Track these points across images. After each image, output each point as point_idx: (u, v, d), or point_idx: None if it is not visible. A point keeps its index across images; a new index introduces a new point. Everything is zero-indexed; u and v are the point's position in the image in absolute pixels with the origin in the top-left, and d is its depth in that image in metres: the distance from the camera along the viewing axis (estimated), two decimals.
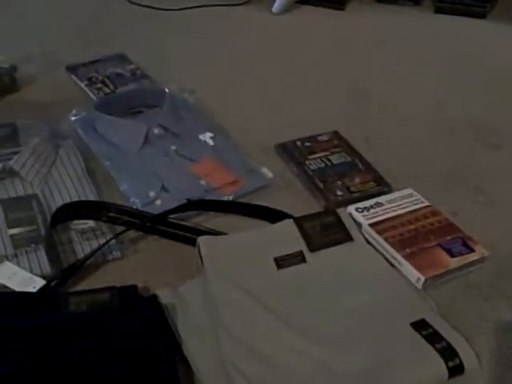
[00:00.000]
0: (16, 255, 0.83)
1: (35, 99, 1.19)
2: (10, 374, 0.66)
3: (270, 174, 1.00)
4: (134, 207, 0.92)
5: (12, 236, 0.85)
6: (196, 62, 1.37)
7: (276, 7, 1.61)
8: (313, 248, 0.81)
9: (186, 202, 0.91)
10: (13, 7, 1.58)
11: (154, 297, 0.76)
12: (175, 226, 0.88)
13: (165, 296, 0.76)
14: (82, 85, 1.23)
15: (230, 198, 0.95)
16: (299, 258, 0.80)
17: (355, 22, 1.63)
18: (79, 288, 0.80)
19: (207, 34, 1.51)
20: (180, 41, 1.47)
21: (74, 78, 1.26)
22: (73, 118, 1.10)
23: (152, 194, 0.94)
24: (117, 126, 1.05)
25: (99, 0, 1.65)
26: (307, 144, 1.08)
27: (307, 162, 1.03)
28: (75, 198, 0.92)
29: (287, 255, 0.80)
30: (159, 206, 0.92)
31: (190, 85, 1.21)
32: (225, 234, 0.86)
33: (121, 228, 0.88)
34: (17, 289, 0.78)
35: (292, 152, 1.06)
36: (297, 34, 1.54)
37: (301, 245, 0.82)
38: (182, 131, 1.07)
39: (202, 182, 0.97)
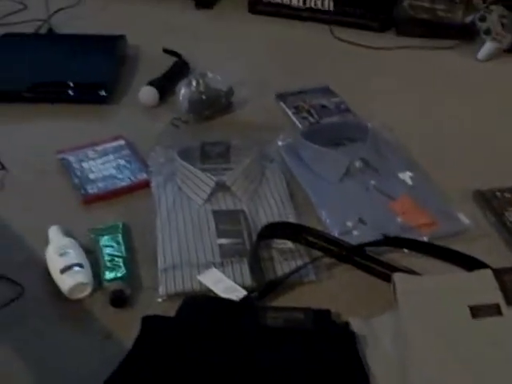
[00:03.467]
0: (222, 264, 0.90)
1: (247, 121, 1.28)
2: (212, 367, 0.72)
3: (466, 221, 1.00)
4: (332, 234, 0.96)
5: (220, 245, 0.93)
6: (395, 101, 1.37)
7: (482, 54, 1.59)
8: (511, 302, 0.80)
9: (382, 236, 0.94)
10: (227, 39, 1.70)
11: (347, 324, 0.79)
12: (370, 259, 0.91)
13: (356, 325, 0.79)
14: (290, 112, 1.30)
15: (426, 239, 0.96)
16: (495, 309, 0.79)
17: None
18: (274, 304, 0.85)
19: (408, 74, 1.52)
20: (380, 78, 1.49)
21: (282, 105, 1.33)
22: (280, 143, 1.17)
23: (349, 224, 0.98)
24: (321, 155, 1.10)
25: (304, 33, 1.72)
26: (507, 195, 1.06)
27: (506, 214, 1.01)
28: (277, 218, 0.98)
29: (483, 305, 0.79)
30: (356, 236, 0.95)
31: (389, 123, 1.23)
32: (419, 274, 0.88)
33: (317, 252, 0.93)
34: (221, 294, 0.84)
35: (490, 201, 1.04)
36: (499, 83, 1.50)
37: (498, 297, 0.80)
38: (382, 167, 1.10)
39: (399, 220, 0.99)
